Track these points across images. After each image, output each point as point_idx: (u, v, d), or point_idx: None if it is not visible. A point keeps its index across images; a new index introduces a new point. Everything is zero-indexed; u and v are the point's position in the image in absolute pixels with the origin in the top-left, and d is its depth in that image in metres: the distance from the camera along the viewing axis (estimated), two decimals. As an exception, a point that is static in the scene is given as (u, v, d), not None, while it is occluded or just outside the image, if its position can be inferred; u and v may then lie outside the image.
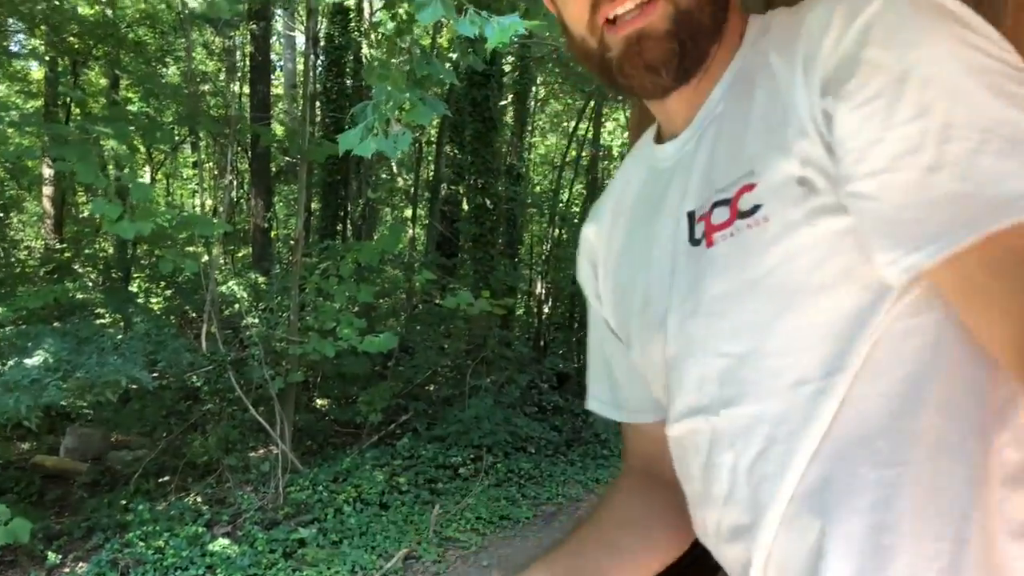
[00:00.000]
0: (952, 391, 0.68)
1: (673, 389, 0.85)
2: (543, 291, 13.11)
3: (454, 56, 7.33)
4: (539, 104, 14.52)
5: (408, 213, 13.40)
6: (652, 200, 0.89)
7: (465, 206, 10.30)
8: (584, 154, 14.22)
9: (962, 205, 0.62)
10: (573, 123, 14.17)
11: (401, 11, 5.61)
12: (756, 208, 0.73)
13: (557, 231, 13.41)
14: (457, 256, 10.86)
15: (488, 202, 9.54)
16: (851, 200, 0.67)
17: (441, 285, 9.46)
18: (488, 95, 9.11)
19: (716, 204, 0.77)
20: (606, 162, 14.90)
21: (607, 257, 0.98)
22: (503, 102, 10.82)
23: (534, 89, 12.92)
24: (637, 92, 0.83)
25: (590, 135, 13.88)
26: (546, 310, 12.95)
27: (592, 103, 12.70)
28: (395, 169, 12.06)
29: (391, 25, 5.83)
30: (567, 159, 14.11)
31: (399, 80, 5.14)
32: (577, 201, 14.27)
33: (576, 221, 13.41)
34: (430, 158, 12.70)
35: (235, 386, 7.05)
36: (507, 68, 10.74)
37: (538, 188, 15.03)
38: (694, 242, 0.80)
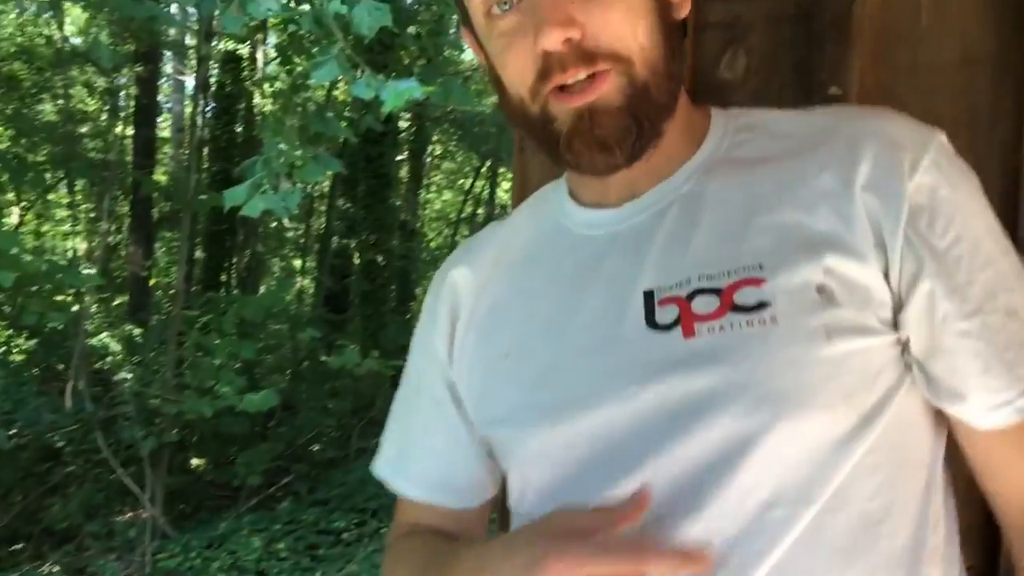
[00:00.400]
0: (899, 534, 0.70)
1: (589, 480, 0.74)
2: (434, 349, 12.97)
3: (348, 112, 7.27)
4: (435, 161, 14.55)
5: (297, 263, 13.10)
6: (568, 266, 0.82)
7: (357, 260, 10.13)
8: (480, 211, 14.30)
9: None
10: (469, 180, 14.26)
11: (297, 67, 5.52)
12: (762, 306, 0.70)
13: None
14: (347, 312, 10.63)
15: (380, 258, 9.40)
16: (947, 338, 0.69)
17: (328, 342, 9.21)
18: (383, 152, 9.05)
19: (699, 291, 0.72)
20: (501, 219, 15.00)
21: (475, 310, 0.88)
22: (399, 157, 10.78)
23: (430, 147, 12.94)
24: (585, 170, 0.78)
25: (486, 193, 13.99)
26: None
27: (489, 162, 12.83)
28: (285, 220, 11.79)
29: (286, 79, 5.74)
30: (463, 215, 14.15)
31: (292, 137, 5.04)
32: (471, 257, 14.28)
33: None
34: (322, 209, 12.48)
35: (102, 446, 6.63)
36: (403, 125, 10.72)
37: (433, 244, 14.97)
38: (657, 326, 0.73)
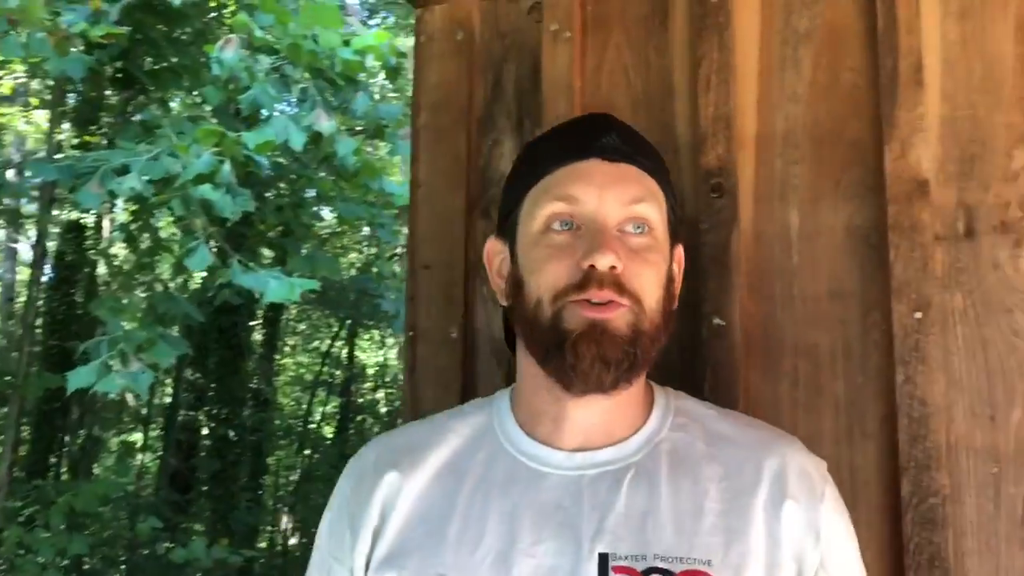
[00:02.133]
0: None
1: None
2: (289, 526, 12.19)
3: (196, 285, 7.03)
4: (291, 324, 14.23)
5: (137, 438, 12.19)
6: (517, 499, 0.86)
7: (205, 434, 9.52)
8: (338, 373, 13.96)
9: None
10: (327, 342, 13.98)
11: (142, 244, 5.34)
12: None
13: (307, 459, 12.77)
14: (192, 491, 9.87)
15: (232, 433, 8.89)
16: None
17: (172, 525, 8.48)
18: (237, 322, 8.75)
19: (655, 570, 0.80)
20: (359, 381, 14.70)
21: (409, 516, 0.89)
22: (252, 324, 10.45)
23: (286, 311, 12.67)
24: (578, 376, 0.85)
25: (343, 354, 13.72)
26: (291, 547, 11.99)
27: (347, 323, 12.66)
28: (126, 395, 11.03)
29: (130, 255, 5.54)
30: (319, 379, 13.75)
31: (136, 316, 4.81)
32: (330, 423, 13.80)
33: (323, 448, 12.88)
34: (167, 381, 11.81)
35: None
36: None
37: (287, 410, 14.40)
38: None
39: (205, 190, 3.89)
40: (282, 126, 4.80)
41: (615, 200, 0.88)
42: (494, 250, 0.99)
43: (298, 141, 4.79)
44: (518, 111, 1.37)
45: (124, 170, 4.29)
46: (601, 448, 0.89)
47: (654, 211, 0.91)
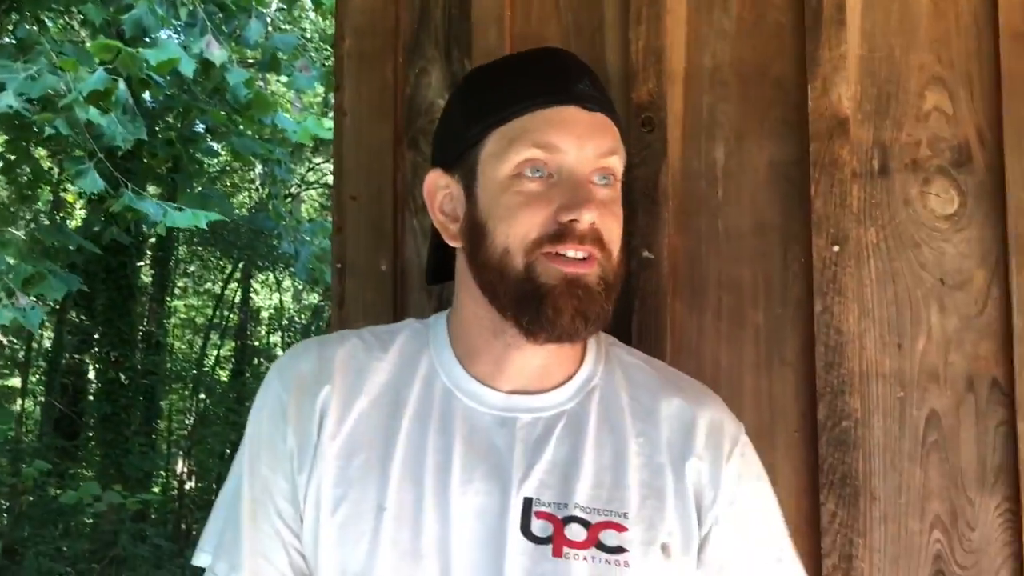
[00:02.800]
0: None
1: None
2: (185, 470, 11.93)
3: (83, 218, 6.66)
4: (182, 265, 13.72)
5: (15, 383, 11.60)
6: (456, 437, 0.88)
7: (93, 379, 9.15)
8: (232, 316, 13.60)
9: None
10: (220, 284, 13.57)
11: (23, 176, 5.01)
12: (621, 550, 0.85)
13: (201, 403, 12.46)
14: (80, 437, 9.51)
15: (123, 376, 8.56)
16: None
17: (59, 473, 8.17)
18: (126, 262, 8.34)
19: (573, 519, 0.85)
20: (255, 324, 14.37)
21: (349, 440, 0.88)
22: (141, 264, 10.02)
23: (177, 251, 12.19)
24: (555, 328, 0.85)
25: (238, 298, 13.36)
26: (188, 491, 11.76)
27: (241, 265, 12.29)
28: (2, 338, 10.46)
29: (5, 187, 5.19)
30: (213, 322, 13.37)
31: (21, 249, 4.53)
32: (225, 367, 13.47)
33: (219, 391, 12.59)
34: (47, 322, 11.24)
35: None
36: (149, 231, 10.02)
37: (179, 353, 13.96)
38: (531, 536, 0.84)
39: (93, 114, 3.63)
40: (173, 50, 4.51)
41: (593, 151, 0.88)
42: (437, 184, 0.95)
43: (188, 68, 4.52)
44: (446, 40, 1.33)
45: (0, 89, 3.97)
46: (537, 393, 0.91)
47: (619, 163, 0.92)
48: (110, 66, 3.97)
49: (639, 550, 0.86)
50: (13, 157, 4.85)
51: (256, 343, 14.26)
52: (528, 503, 0.86)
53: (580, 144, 0.87)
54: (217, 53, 4.57)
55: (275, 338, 14.53)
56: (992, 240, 1.12)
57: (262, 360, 13.68)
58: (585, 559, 0.84)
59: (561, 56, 0.97)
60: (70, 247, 5.22)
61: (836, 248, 1.15)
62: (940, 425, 1.12)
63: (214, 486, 11.71)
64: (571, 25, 1.30)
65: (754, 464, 0.96)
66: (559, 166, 0.87)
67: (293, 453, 0.88)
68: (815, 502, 1.13)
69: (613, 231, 0.89)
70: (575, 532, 0.85)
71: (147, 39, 4.86)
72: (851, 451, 1.12)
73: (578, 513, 0.86)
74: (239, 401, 12.01)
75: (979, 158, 1.14)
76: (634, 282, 1.20)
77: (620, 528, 0.86)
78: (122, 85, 3.90)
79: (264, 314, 14.90)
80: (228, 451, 11.71)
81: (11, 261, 4.38)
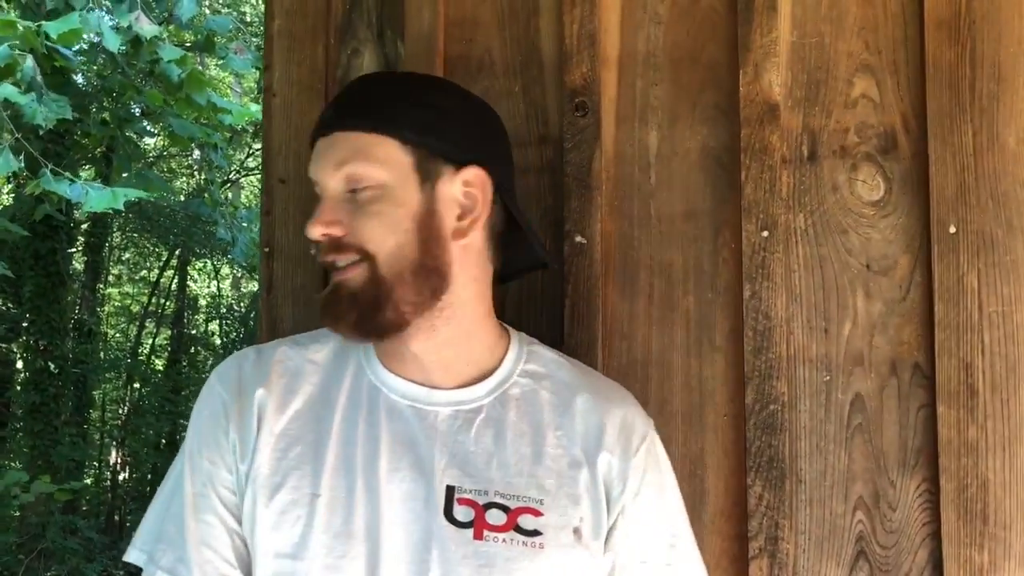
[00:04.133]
0: None
1: None
2: (119, 461, 11.63)
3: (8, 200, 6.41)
4: (116, 251, 13.34)
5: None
6: (382, 428, 0.93)
7: (21, 368, 8.83)
8: (168, 304, 13.28)
9: None
10: (155, 272, 13.23)
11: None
12: (537, 532, 0.91)
13: (135, 392, 12.15)
14: (7, 427, 9.19)
15: (52, 365, 8.28)
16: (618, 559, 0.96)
17: (-14, 465, 7.89)
18: (55, 247, 8.06)
19: (494, 505, 0.91)
20: (192, 312, 14.06)
21: (283, 435, 0.94)
22: (72, 250, 9.70)
23: (110, 237, 11.84)
24: (335, 330, 0.95)
25: (175, 285, 13.05)
26: (122, 482, 11.48)
27: (178, 252, 12.01)
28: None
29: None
30: (148, 310, 13.03)
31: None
32: (161, 356, 13.16)
33: (154, 381, 12.31)
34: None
35: None
36: (80, 215, 9.71)
37: (114, 342, 13.59)
38: (453, 520, 0.90)
39: (10, 92, 3.47)
40: (94, 22, 4.31)
41: (325, 170, 0.94)
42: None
43: (113, 42, 4.34)
44: (379, 21, 1.31)
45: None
46: (455, 388, 0.97)
47: (366, 165, 0.92)
48: (15, 42, 3.78)
49: (553, 533, 0.91)
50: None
51: (193, 331, 13.96)
52: (451, 490, 0.92)
53: (315, 169, 0.96)
54: (147, 28, 4.41)
55: (213, 326, 14.25)
56: (916, 227, 1.14)
57: (199, 348, 13.41)
58: (504, 541, 0.90)
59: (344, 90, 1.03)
60: (7, 230, 5.01)
61: (765, 234, 1.16)
62: (864, 408, 1.14)
63: (149, 476, 11.46)
64: (506, 8, 1.29)
65: (659, 458, 1.02)
66: (322, 192, 0.96)
67: (235, 446, 0.94)
68: (743, 484, 1.14)
69: (365, 231, 0.92)
70: (495, 516, 0.91)
71: (76, 14, 4.67)
72: (778, 434, 1.14)
73: (498, 499, 0.92)
74: (175, 391, 11.75)
75: (904, 145, 1.16)
76: (567, 267, 1.20)
77: (536, 513, 0.92)
78: (29, 61, 3.73)
79: (202, 302, 14.60)
80: (164, 441, 11.47)
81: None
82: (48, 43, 3.87)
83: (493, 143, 1.00)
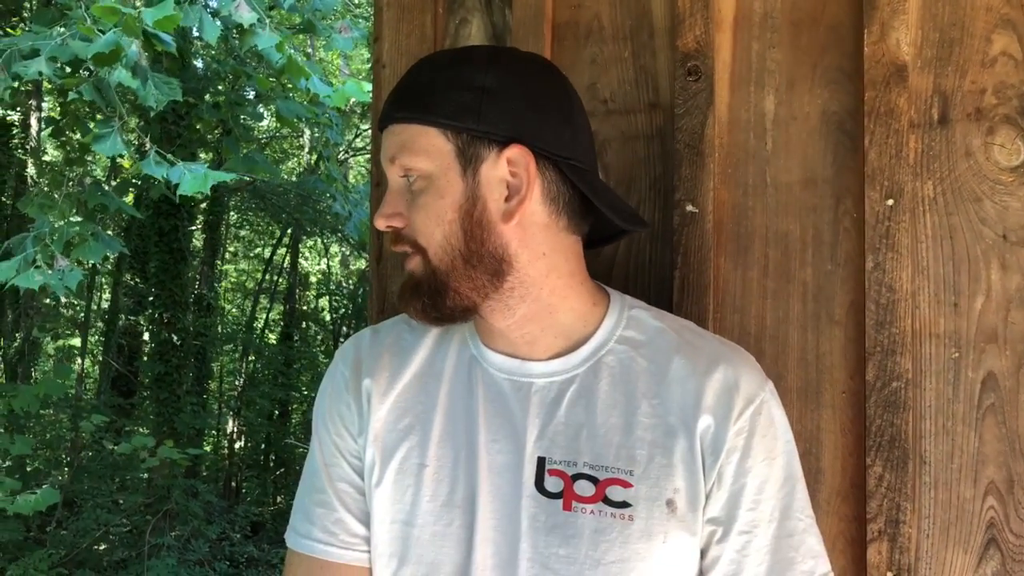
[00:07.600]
0: None
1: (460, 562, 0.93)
2: (235, 430, 12.20)
3: (135, 184, 6.76)
4: (232, 229, 13.91)
5: (75, 343, 11.95)
6: (481, 400, 0.97)
7: (148, 340, 9.34)
8: (281, 280, 13.79)
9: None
10: (269, 249, 13.74)
11: (74, 138, 5.07)
12: (626, 504, 0.90)
13: (250, 364, 12.69)
14: (136, 395, 9.76)
15: (175, 337, 8.74)
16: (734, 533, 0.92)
17: (116, 429, 8.41)
18: (177, 225, 8.47)
19: (582, 476, 0.91)
20: (303, 289, 14.55)
21: (394, 408, 0.99)
22: (192, 228, 10.17)
23: (227, 215, 12.36)
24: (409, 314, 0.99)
25: (287, 262, 13.53)
26: (238, 450, 12.03)
27: (290, 231, 12.42)
28: (62, 298, 10.73)
29: (59, 154, 5.27)
30: (262, 286, 13.57)
31: (66, 212, 4.59)
32: (274, 330, 13.69)
33: (267, 354, 12.80)
34: (106, 284, 11.53)
35: None
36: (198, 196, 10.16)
37: (231, 317, 14.21)
38: (544, 491, 0.92)
39: (124, 76, 3.63)
40: (195, 14, 4.44)
41: (385, 163, 0.96)
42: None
43: (211, 33, 4.46)
44: (487, -12, 1.30)
45: (35, 55, 3.99)
46: (547, 359, 0.97)
47: (412, 157, 0.92)
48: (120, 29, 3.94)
49: (644, 505, 0.90)
50: (62, 121, 4.90)
51: (304, 307, 14.45)
52: (542, 461, 0.93)
53: (383, 161, 0.98)
54: (247, 16, 4.50)
55: (323, 302, 14.71)
56: (1059, 194, 1.06)
57: (310, 324, 13.88)
58: (592, 512, 0.90)
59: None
60: (121, 210, 5.28)
61: (890, 202, 1.10)
62: (997, 387, 1.07)
63: (263, 446, 11.97)
64: (615, -30, 1.25)
65: (773, 423, 0.94)
66: (388, 183, 0.98)
67: (355, 418, 1.01)
68: (861, 464, 1.09)
69: (416, 225, 0.93)
70: (584, 488, 0.91)
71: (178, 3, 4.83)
72: (901, 413, 1.08)
73: (587, 471, 0.92)
74: (287, 364, 12.22)
75: (1048, 106, 1.07)
76: (676, 237, 1.17)
77: (626, 484, 0.91)
78: (134, 46, 3.88)
79: (312, 279, 15.08)
80: (276, 412, 11.94)
81: (57, 224, 4.46)
82: (147, 29, 4.02)
83: (540, 111, 0.94)
